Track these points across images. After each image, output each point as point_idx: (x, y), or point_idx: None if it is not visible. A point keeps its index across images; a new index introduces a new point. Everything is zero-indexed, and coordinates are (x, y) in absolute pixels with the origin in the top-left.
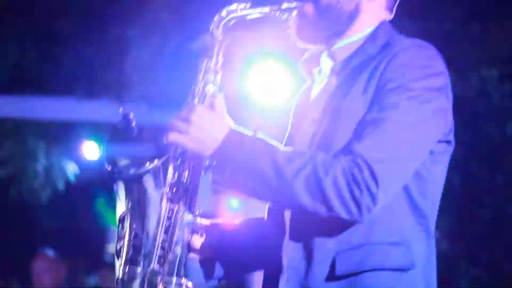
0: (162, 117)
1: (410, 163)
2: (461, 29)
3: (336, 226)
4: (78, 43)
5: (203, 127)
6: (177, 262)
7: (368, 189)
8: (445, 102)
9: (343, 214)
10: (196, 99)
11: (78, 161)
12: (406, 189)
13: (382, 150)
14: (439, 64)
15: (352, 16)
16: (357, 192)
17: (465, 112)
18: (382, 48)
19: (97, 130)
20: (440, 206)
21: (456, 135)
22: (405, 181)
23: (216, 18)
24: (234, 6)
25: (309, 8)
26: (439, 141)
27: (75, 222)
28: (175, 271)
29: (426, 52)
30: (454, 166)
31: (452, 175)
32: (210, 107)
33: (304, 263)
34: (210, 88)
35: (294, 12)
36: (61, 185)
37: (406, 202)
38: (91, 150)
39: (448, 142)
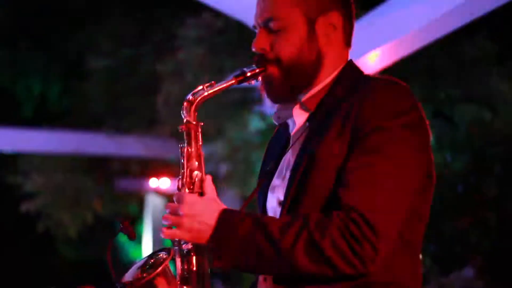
0: None
1: (403, 205)
2: None
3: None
4: (109, 78)
5: (195, 216)
6: None
7: (369, 241)
8: (422, 137)
9: (349, 271)
10: (186, 188)
11: (108, 195)
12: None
13: (373, 199)
14: (407, 101)
15: (316, 65)
16: (357, 247)
17: None
18: (351, 90)
19: (127, 164)
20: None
21: None
22: (402, 223)
23: (185, 104)
24: (199, 87)
25: (274, 70)
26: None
27: (101, 255)
28: None
29: (393, 92)
30: None
31: None
32: (199, 194)
33: None
34: (197, 174)
35: (260, 76)
36: (89, 219)
37: (399, 242)
38: (122, 184)
39: (430, 176)
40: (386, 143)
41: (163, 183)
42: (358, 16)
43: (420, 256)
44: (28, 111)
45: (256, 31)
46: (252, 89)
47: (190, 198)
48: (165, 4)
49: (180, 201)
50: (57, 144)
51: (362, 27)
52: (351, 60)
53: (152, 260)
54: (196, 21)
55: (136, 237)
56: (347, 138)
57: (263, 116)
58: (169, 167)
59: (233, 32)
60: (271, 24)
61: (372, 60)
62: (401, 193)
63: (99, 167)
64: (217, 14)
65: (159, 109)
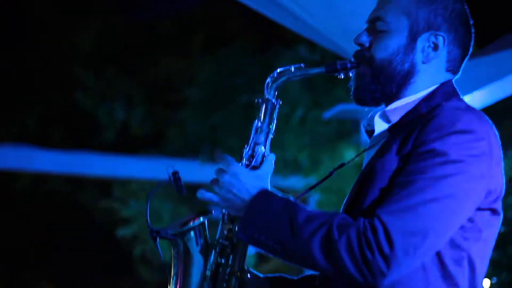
0: (284, 182)
1: (433, 234)
2: None
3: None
4: (204, 108)
5: (233, 188)
6: None
7: (381, 253)
8: (485, 168)
9: (357, 277)
10: (244, 159)
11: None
12: (438, 254)
13: (402, 215)
14: (480, 129)
15: (407, 77)
16: (369, 255)
17: None
18: (432, 109)
19: None
20: None
21: None
22: (429, 251)
23: (268, 80)
24: (288, 67)
25: (365, 69)
26: (480, 209)
27: None
28: None
29: (468, 116)
30: None
31: None
32: (253, 168)
33: None
34: (260, 149)
35: (350, 71)
36: None
37: (437, 269)
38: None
39: (492, 210)
40: (437, 167)
41: None
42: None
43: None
44: (110, 135)
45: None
46: (348, 121)
47: (235, 168)
48: (261, 35)
49: (225, 169)
50: (153, 171)
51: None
52: (449, 82)
53: (193, 219)
54: (292, 53)
55: (184, 192)
56: (405, 155)
57: (359, 148)
58: None
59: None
60: (377, 24)
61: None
62: (436, 219)
63: (194, 194)
64: (313, 47)
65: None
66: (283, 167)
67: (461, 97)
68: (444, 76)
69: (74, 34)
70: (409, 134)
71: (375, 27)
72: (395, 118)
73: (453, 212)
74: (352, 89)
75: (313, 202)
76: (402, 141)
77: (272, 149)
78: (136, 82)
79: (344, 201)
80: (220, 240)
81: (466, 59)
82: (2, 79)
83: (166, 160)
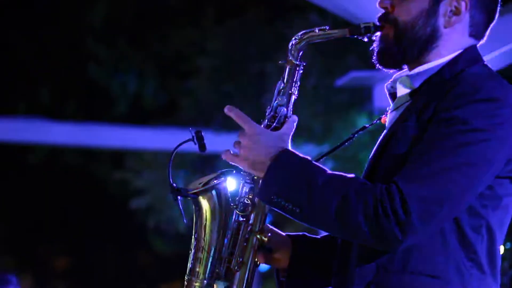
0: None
1: (451, 202)
2: None
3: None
4: (216, 78)
5: (252, 149)
6: (245, 277)
7: (396, 219)
8: (506, 137)
9: (372, 243)
10: (266, 120)
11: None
12: (456, 221)
13: (420, 184)
14: (503, 97)
15: (429, 41)
16: (384, 221)
17: None
18: (455, 75)
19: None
20: None
21: None
22: (448, 215)
23: (292, 41)
24: (312, 29)
25: (389, 31)
26: (500, 177)
27: None
28: (244, 284)
29: (491, 83)
30: None
31: None
32: (275, 128)
33: (344, 285)
34: (282, 110)
35: (374, 34)
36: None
37: (455, 236)
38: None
39: (511, 178)
40: (457, 134)
41: None
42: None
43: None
44: (123, 107)
45: None
46: (360, 89)
47: (254, 129)
48: (272, 4)
49: (246, 129)
50: (165, 142)
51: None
52: (473, 47)
53: (214, 178)
54: (303, 21)
55: (205, 149)
56: (426, 121)
57: (371, 116)
58: None
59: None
60: None
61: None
62: (454, 187)
63: (207, 163)
64: (324, 14)
65: (266, 108)
66: (296, 135)
67: (485, 63)
68: (467, 41)
69: (86, 6)
70: (431, 100)
71: None
72: (417, 83)
73: (472, 180)
74: (375, 52)
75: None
76: (424, 107)
77: None
78: (148, 53)
79: (366, 164)
80: (241, 199)
81: (492, 23)
82: (14, 53)
83: (178, 130)
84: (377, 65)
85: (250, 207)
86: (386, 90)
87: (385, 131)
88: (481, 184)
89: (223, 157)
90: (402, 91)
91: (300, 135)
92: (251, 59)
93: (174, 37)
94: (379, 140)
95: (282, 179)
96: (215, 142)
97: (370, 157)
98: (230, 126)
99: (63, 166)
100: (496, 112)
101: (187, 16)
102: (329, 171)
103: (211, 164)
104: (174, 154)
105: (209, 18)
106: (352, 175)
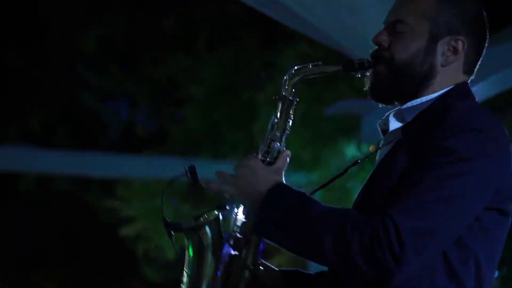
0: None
1: (442, 233)
2: None
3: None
4: (207, 106)
5: (250, 180)
6: None
7: (392, 252)
8: (495, 168)
9: (367, 275)
10: (260, 155)
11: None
12: (444, 254)
13: (413, 215)
14: (492, 129)
15: (426, 78)
16: (379, 253)
17: None
18: (446, 109)
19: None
20: None
21: None
22: (440, 247)
23: (285, 77)
24: (306, 65)
25: (383, 68)
26: (488, 209)
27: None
28: None
29: (480, 115)
30: None
31: None
32: (269, 163)
33: None
34: (276, 145)
35: (367, 70)
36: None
37: (443, 267)
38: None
39: (500, 211)
40: (447, 165)
41: None
42: None
43: None
44: (115, 135)
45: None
46: (350, 118)
47: (252, 162)
48: (263, 33)
49: (244, 162)
50: (155, 170)
51: None
52: (464, 83)
53: (207, 214)
54: (294, 51)
55: (199, 186)
56: (417, 153)
57: (360, 145)
58: None
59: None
60: (397, 26)
61: None
62: (446, 218)
63: (196, 191)
64: (314, 44)
65: (256, 136)
66: None
67: (475, 98)
68: (461, 77)
69: (78, 33)
70: (422, 132)
71: (394, 29)
72: (410, 117)
73: (462, 210)
74: (368, 87)
75: (316, 199)
76: (415, 139)
77: None
78: (140, 80)
79: (357, 196)
80: (234, 233)
81: (480, 61)
82: (4, 79)
83: (168, 159)
84: (370, 98)
85: (242, 241)
86: (378, 127)
87: (376, 164)
88: (471, 214)
89: (210, 188)
90: (394, 125)
91: (289, 163)
92: (242, 87)
93: (165, 64)
94: (371, 173)
95: (277, 212)
96: (205, 170)
97: (361, 189)
98: (220, 155)
99: (53, 193)
100: (484, 143)
101: (179, 43)
102: (325, 205)
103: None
104: (165, 189)
105: (201, 46)
106: (347, 208)
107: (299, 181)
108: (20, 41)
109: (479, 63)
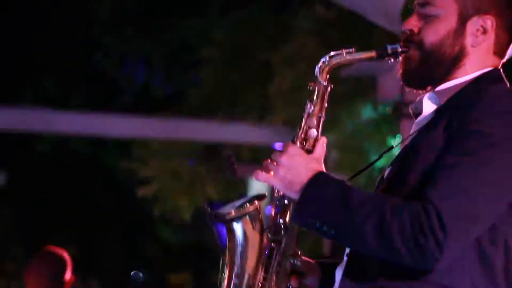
0: None
1: (484, 218)
2: None
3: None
4: (222, 68)
5: (291, 168)
6: None
7: (434, 238)
8: None
9: (409, 261)
10: (297, 142)
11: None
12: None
13: (454, 200)
14: None
15: (456, 60)
16: (422, 239)
17: None
18: (478, 92)
19: (239, 151)
20: None
21: None
22: (478, 232)
23: (320, 64)
24: (339, 51)
25: (415, 52)
26: None
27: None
28: None
29: (508, 98)
30: None
31: None
32: (307, 151)
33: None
34: (312, 133)
35: (400, 55)
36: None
37: (474, 250)
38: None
39: None
40: (484, 149)
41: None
42: None
43: None
44: (130, 98)
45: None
46: (366, 79)
47: (294, 150)
48: None
49: (284, 150)
50: (173, 131)
51: None
52: (498, 69)
53: (247, 204)
54: (309, 12)
55: (238, 174)
56: (451, 135)
57: (376, 106)
58: None
59: (345, 24)
60: (426, 9)
61: None
62: (485, 201)
63: (213, 153)
64: (329, 4)
65: (272, 98)
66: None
67: (507, 83)
68: (492, 59)
69: None
70: (455, 115)
71: (423, 13)
72: (443, 100)
73: (500, 194)
74: (400, 72)
75: (332, 161)
76: (448, 122)
77: (290, 108)
78: (155, 43)
79: (386, 175)
80: (274, 222)
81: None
82: (20, 44)
83: (185, 120)
84: (403, 84)
85: (282, 231)
86: (410, 110)
87: (406, 143)
88: (508, 198)
89: (256, 177)
90: (427, 109)
91: None
92: (257, 49)
93: (181, 27)
94: (400, 152)
95: (319, 200)
96: (221, 131)
97: (389, 169)
98: (236, 117)
99: (70, 155)
100: None
101: (193, 5)
102: (365, 192)
103: (217, 154)
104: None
105: (215, 8)
106: (386, 195)
107: None
108: (36, 7)
109: (511, 45)
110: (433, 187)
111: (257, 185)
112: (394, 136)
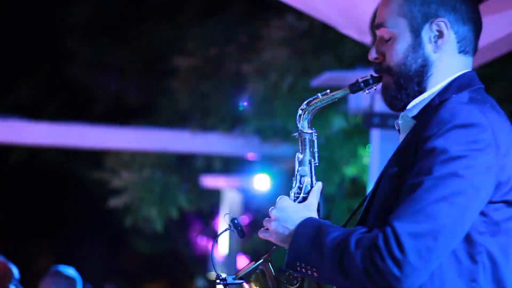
0: (274, 151)
1: (444, 234)
2: None
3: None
4: (194, 78)
5: (281, 221)
6: None
7: (392, 257)
8: (491, 160)
9: (375, 286)
10: (293, 192)
11: (192, 191)
12: (453, 252)
13: (411, 219)
14: (481, 121)
15: (423, 72)
16: (380, 263)
17: None
18: (440, 103)
19: (210, 161)
20: None
21: None
22: (443, 252)
23: (299, 112)
24: (315, 96)
25: (388, 79)
26: (493, 202)
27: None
28: None
29: (468, 109)
30: None
31: None
32: (304, 198)
33: None
34: (306, 180)
35: (374, 85)
36: (174, 214)
37: (452, 266)
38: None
39: (507, 202)
40: (440, 165)
41: (243, 180)
42: None
43: None
44: (103, 108)
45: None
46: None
47: (283, 203)
48: (250, 5)
49: (275, 205)
50: (144, 142)
51: None
52: (466, 74)
53: (254, 262)
54: (280, 22)
55: (244, 235)
56: (414, 154)
57: (346, 116)
58: (251, 164)
59: (317, 34)
60: (383, 33)
61: None
62: (446, 218)
63: (183, 163)
64: (301, 15)
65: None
66: (272, 135)
67: (476, 87)
68: (460, 59)
69: (67, 5)
70: (418, 130)
71: (382, 37)
72: (412, 115)
73: (463, 208)
74: (384, 100)
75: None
76: (412, 139)
77: (261, 118)
78: (128, 53)
79: (366, 203)
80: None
81: (480, 32)
82: None
83: (157, 131)
84: (390, 109)
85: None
86: (396, 126)
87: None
88: (473, 211)
89: (260, 235)
90: (404, 127)
91: (276, 135)
92: (229, 58)
93: (153, 36)
94: (378, 177)
95: (300, 247)
96: (193, 142)
97: (368, 194)
98: (208, 127)
99: (42, 165)
100: (474, 137)
101: (165, 15)
102: (340, 230)
103: (188, 164)
104: (214, 246)
105: (187, 18)
106: (354, 229)
107: (287, 152)
108: (9, 14)
109: (479, 36)
110: (394, 211)
111: (229, 195)
112: (365, 146)
